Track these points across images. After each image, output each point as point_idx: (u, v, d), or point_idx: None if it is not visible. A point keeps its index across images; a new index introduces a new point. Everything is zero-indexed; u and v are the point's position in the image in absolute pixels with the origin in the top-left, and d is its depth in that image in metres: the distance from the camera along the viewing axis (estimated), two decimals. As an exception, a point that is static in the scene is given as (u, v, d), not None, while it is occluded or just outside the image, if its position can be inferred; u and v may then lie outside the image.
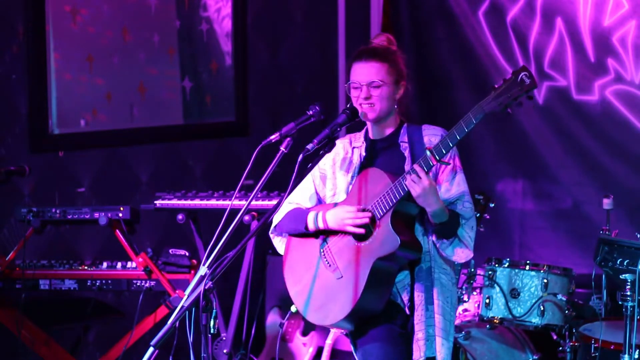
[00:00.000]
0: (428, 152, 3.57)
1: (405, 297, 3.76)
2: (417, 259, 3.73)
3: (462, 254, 3.73)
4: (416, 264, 3.75)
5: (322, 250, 3.84)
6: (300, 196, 3.93)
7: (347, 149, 3.89)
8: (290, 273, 3.92)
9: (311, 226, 3.83)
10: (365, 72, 3.74)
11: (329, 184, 3.89)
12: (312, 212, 3.84)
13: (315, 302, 3.82)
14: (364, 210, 3.72)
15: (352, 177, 3.83)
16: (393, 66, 3.77)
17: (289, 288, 3.91)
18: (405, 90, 3.81)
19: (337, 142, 3.89)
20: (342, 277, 3.74)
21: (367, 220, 3.68)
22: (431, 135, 3.78)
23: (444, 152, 3.57)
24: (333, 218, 3.76)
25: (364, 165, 3.84)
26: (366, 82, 3.73)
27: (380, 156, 3.83)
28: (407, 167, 3.74)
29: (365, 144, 3.87)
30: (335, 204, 3.82)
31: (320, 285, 3.81)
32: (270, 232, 4.00)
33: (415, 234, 3.74)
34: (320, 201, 3.93)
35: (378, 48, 3.80)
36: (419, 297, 3.73)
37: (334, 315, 3.75)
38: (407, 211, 3.68)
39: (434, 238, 3.74)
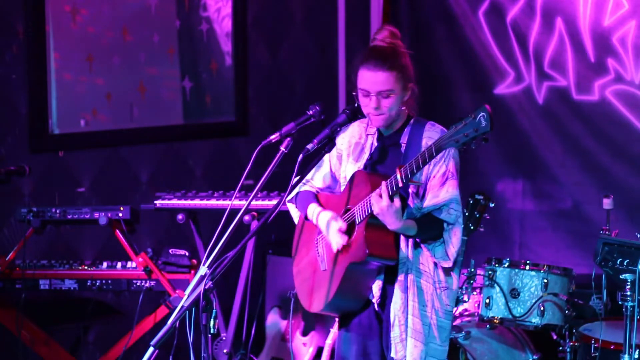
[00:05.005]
0: (397, 173, 3.53)
1: (377, 294, 3.77)
2: (392, 265, 3.72)
3: (445, 258, 3.70)
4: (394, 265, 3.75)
5: (318, 238, 3.92)
6: (315, 175, 3.99)
7: (362, 134, 3.89)
8: (298, 250, 4.04)
9: (310, 217, 3.92)
10: (374, 81, 3.68)
11: (344, 166, 3.92)
12: (312, 204, 3.91)
13: (307, 287, 3.93)
14: (348, 209, 3.76)
15: (360, 166, 3.84)
16: (401, 71, 3.70)
17: (294, 264, 4.04)
18: (412, 91, 3.77)
19: (356, 123, 3.91)
20: (326, 269, 3.83)
21: (343, 242, 3.72)
22: (428, 137, 3.74)
23: (410, 176, 3.52)
24: (322, 222, 3.83)
25: (373, 157, 3.84)
26: (375, 92, 3.69)
27: (387, 151, 3.83)
28: None
29: (377, 133, 3.87)
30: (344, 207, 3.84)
31: (312, 270, 3.92)
32: (288, 199, 4.04)
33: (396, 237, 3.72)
34: (335, 180, 3.96)
35: (385, 51, 3.73)
36: (399, 297, 3.72)
37: (315, 305, 3.87)
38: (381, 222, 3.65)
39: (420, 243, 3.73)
